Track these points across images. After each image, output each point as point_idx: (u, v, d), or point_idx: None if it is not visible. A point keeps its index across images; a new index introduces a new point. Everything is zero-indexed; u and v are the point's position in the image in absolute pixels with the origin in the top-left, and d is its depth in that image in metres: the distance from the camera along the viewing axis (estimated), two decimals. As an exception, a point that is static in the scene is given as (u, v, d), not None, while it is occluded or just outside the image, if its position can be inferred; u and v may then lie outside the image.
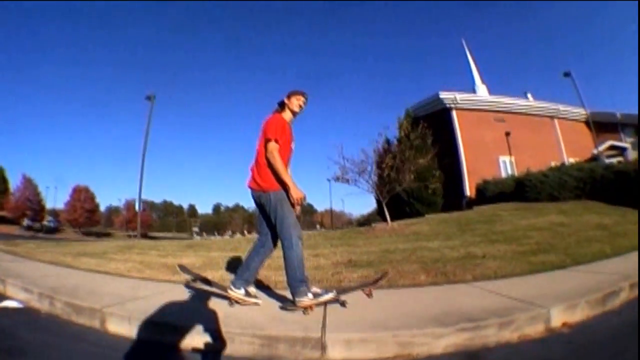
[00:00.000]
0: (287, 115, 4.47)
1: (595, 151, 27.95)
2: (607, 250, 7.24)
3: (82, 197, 62.26)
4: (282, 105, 4.51)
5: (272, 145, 4.10)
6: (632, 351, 3.03)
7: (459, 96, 27.27)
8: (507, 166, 26.35)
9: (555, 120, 29.85)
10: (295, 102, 4.46)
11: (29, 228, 48.73)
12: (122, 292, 5.16)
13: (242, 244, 12.49)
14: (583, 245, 8.04)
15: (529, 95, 31.65)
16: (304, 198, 4.15)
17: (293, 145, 4.51)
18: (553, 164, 20.38)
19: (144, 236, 46.34)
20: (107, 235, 34.44)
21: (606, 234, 9.21)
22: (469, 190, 24.60)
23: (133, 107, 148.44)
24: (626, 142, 29.83)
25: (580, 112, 30.55)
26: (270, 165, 4.11)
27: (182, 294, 4.96)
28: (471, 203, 21.93)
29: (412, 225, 13.73)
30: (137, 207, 33.89)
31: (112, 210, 79.24)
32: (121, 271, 7.37)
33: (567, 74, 28.35)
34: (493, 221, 12.65)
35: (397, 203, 21.89)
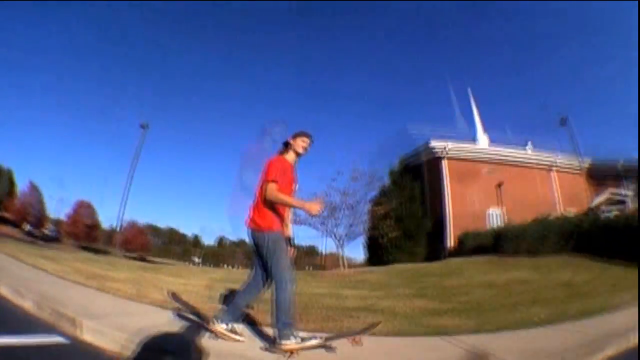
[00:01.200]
0: (290, 156, 4.43)
1: (593, 203, 25.99)
2: (542, 316, 6.49)
3: (84, 213, 61.35)
4: (286, 145, 4.45)
5: (271, 186, 4.05)
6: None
7: (450, 145, 26.12)
8: (495, 218, 24.86)
9: (553, 172, 28.01)
10: (300, 144, 4.41)
11: (29, 234, 47.73)
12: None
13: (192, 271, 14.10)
14: (520, 308, 7.30)
15: (529, 145, 29.90)
16: (321, 207, 4.19)
17: (295, 187, 4.45)
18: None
19: (142, 259, 45.35)
20: (105, 252, 34.11)
21: (566, 294, 8.62)
22: (452, 241, 23.33)
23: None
24: (627, 191, 27.74)
25: (578, 162, 28.78)
26: (271, 204, 4.10)
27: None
28: (451, 254, 21.15)
29: (366, 273, 13.47)
30: (117, 226, 35.63)
31: (113, 231, 78.77)
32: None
33: (563, 122, 27.75)
34: (451, 274, 12.26)
35: (379, 250, 22.72)
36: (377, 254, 23.14)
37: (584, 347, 4.39)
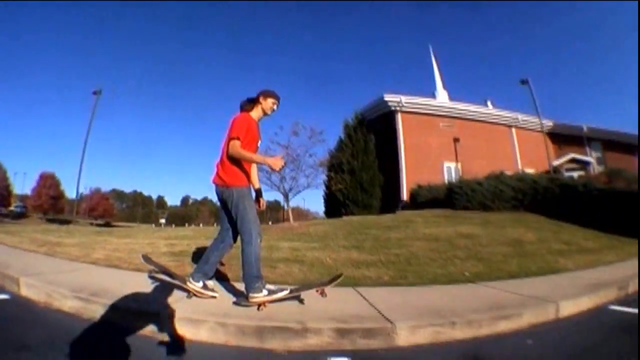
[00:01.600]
0: (256, 113, 4.35)
1: (554, 163, 25.26)
2: (467, 273, 6.36)
3: (48, 184, 60.56)
4: (253, 102, 4.36)
5: (234, 143, 3.96)
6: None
7: (405, 99, 25.01)
8: (452, 172, 24.13)
9: (513, 130, 27.24)
10: (270, 105, 4.35)
11: None
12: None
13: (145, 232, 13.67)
14: (454, 263, 7.09)
15: (489, 103, 29.27)
16: (283, 163, 4.11)
17: (259, 144, 4.41)
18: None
19: (107, 225, 45.49)
20: (70, 222, 33.24)
21: (508, 252, 8.31)
22: (406, 195, 22.58)
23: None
24: (592, 157, 27.15)
25: (543, 123, 27.62)
26: (236, 160, 4.03)
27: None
28: (406, 207, 20.47)
29: (313, 225, 12.71)
30: (76, 195, 34.47)
31: (81, 198, 77.09)
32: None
33: (523, 82, 26.36)
34: (398, 227, 11.44)
35: (335, 204, 22.36)
36: (334, 207, 22.63)
37: (492, 311, 3.99)
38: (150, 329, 3.47)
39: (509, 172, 17.32)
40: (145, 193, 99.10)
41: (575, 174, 22.02)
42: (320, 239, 9.80)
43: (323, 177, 16.68)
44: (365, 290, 4.89)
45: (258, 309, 3.82)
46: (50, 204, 59.57)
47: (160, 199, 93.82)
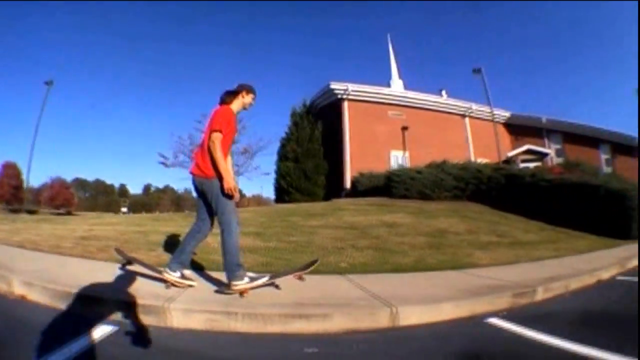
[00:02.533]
0: (236, 106, 4.32)
1: (509, 154, 23.88)
2: (343, 264, 5.82)
3: (10, 174, 56.30)
4: (234, 95, 4.30)
5: (215, 135, 3.96)
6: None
7: (352, 86, 23.59)
8: (398, 161, 22.68)
9: (467, 119, 25.74)
10: (250, 100, 4.39)
11: None
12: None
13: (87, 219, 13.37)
14: (346, 252, 6.54)
15: (444, 93, 27.52)
16: (236, 189, 4.01)
17: (235, 137, 4.71)
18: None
19: (68, 214, 42.80)
20: (33, 212, 31.25)
21: (424, 243, 7.68)
22: (349, 183, 21.34)
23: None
24: (551, 149, 26.07)
25: (498, 113, 26.41)
26: (210, 153, 3.98)
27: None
28: (348, 195, 19.36)
29: (241, 212, 10.73)
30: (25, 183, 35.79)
31: (42, 188, 74.55)
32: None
33: (475, 71, 24.63)
34: (323, 215, 10.86)
35: (282, 191, 22.00)
36: (281, 195, 22.05)
37: (297, 309, 3.50)
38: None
39: (454, 161, 15.92)
40: (108, 181, 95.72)
41: (532, 165, 20.43)
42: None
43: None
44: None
45: (240, 296, 3.82)
46: (12, 194, 55.34)
47: (123, 188, 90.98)
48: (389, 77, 28.87)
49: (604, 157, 24.49)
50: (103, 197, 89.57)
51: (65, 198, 65.27)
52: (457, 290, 4.22)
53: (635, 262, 6.88)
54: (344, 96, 23.02)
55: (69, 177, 74.68)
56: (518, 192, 13.33)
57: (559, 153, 25.66)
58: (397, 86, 27.39)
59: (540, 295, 4.37)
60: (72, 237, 7.47)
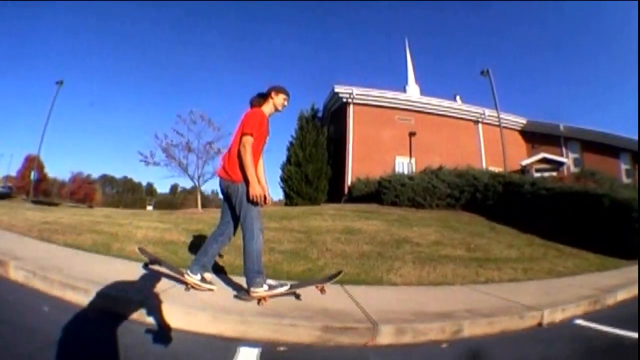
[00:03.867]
0: (267, 109, 4.17)
1: (523, 163, 21.99)
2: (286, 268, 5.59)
3: (33, 167, 58.08)
4: (264, 98, 4.18)
5: (247, 139, 3.82)
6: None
7: (357, 90, 22.38)
8: (404, 167, 21.38)
9: (480, 126, 23.94)
10: (281, 101, 4.20)
11: None
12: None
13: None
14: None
15: (458, 98, 26.32)
16: (264, 197, 3.85)
17: (267, 140, 4.22)
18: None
19: (90, 207, 42.92)
20: (55, 204, 31.81)
21: (361, 252, 6.86)
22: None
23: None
24: (567, 158, 23.92)
25: (514, 120, 25.23)
26: (240, 158, 3.85)
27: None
28: (348, 201, 18.50)
29: (208, 213, 12.45)
30: (32, 176, 36.72)
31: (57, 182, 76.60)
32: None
33: (483, 73, 23.00)
34: (296, 218, 10.44)
35: (285, 195, 21.29)
36: (287, 199, 21.08)
37: None
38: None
39: (451, 167, 14.86)
40: (135, 179, 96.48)
41: (546, 174, 18.90)
42: (194, 222, 9.50)
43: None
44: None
45: (258, 303, 3.66)
46: (34, 187, 57.70)
47: (150, 186, 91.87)
48: (405, 81, 27.44)
49: (624, 167, 22.29)
50: (130, 195, 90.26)
51: (87, 193, 66.87)
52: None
53: (622, 296, 5.24)
54: (349, 100, 21.98)
55: (96, 174, 77.40)
56: (516, 202, 11.88)
57: (577, 162, 23.50)
58: (413, 91, 26.01)
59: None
60: (36, 221, 8.13)
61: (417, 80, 27.59)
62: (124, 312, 3.21)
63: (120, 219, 9.66)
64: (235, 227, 4.11)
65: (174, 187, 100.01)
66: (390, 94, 22.96)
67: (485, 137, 23.26)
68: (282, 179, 20.92)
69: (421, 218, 11.22)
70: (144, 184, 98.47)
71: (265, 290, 3.70)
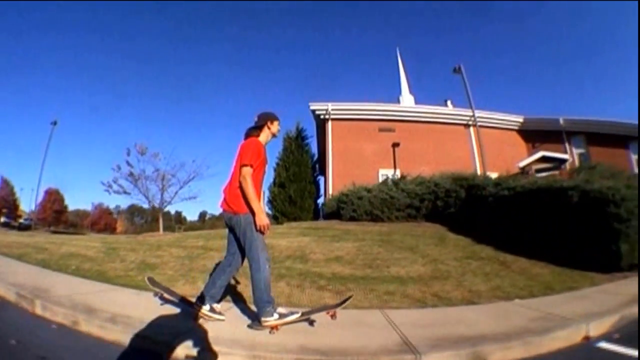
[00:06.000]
0: (264, 137, 4.12)
1: (520, 164, 19.69)
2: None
3: (52, 199, 60.92)
4: (260, 128, 4.10)
5: (246, 170, 3.78)
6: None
7: (332, 105, 21.20)
8: (389, 180, 18.59)
9: (471, 129, 21.77)
10: (277, 127, 4.18)
11: (5, 224, 47.14)
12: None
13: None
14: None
15: (449, 103, 24.47)
16: (268, 227, 3.79)
17: (266, 168, 4.19)
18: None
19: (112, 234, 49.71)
20: (77, 234, 32.83)
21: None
22: None
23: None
24: (572, 154, 21.43)
25: (511, 119, 23.13)
26: (242, 190, 3.80)
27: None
28: (326, 218, 17.04)
29: (182, 238, 11.28)
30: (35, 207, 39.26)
31: (81, 213, 77.55)
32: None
33: (456, 70, 20.72)
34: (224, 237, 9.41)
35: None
36: (274, 220, 19.95)
37: None
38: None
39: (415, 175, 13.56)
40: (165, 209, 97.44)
41: (547, 174, 16.30)
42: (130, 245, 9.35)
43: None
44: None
45: (270, 332, 3.60)
46: (54, 217, 60.31)
47: (178, 215, 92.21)
48: (399, 92, 26.06)
49: (634, 157, 19.18)
50: (156, 224, 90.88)
51: (107, 222, 69.18)
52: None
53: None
54: (326, 116, 21.02)
55: (125, 205, 79.51)
56: (479, 207, 10.12)
57: (584, 158, 20.65)
58: (407, 101, 24.82)
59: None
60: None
61: (412, 89, 26.34)
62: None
63: (67, 241, 10.44)
64: (243, 258, 4.03)
65: (202, 215, 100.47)
66: (368, 105, 21.71)
67: (483, 141, 20.33)
68: (269, 201, 20.24)
69: (363, 232, 10.26)
70: (172, 212, 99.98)
71: (276, 319, 3.67)
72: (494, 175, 15.37)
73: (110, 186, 16.28)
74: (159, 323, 3.65)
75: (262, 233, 3.77)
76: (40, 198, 59.36)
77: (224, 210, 3.99)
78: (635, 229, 6.38)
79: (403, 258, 7.43)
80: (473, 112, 20.27)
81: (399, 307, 4.75)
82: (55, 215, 60.62)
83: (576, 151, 21.47)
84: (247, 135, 4.07)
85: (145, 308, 4.17)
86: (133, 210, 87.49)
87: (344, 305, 4.04)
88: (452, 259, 7.36)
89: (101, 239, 12.24)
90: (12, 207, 56.96)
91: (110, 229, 66.73)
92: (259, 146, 3.95)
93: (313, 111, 21.26)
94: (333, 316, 3.94)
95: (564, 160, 20.62)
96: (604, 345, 3.54)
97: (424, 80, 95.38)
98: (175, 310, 4.22)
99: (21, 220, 52.78)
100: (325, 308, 4.14)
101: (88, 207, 76.48)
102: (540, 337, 3.47)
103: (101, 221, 67.66)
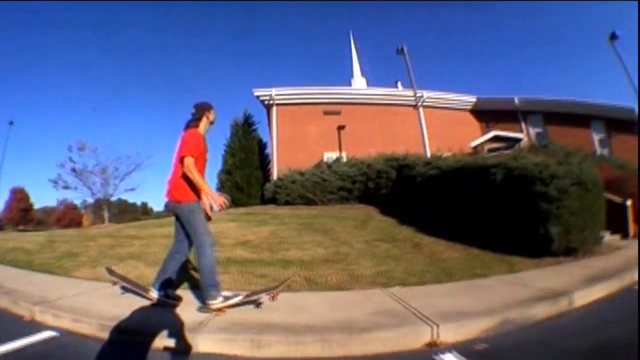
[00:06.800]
0: (203, 127, 4.19)
1: (472, 144, 19.45)
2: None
3: (19, 198, 59.15)
4: (197, 120, 4.16)
5: (189, 160, 3.83)
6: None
7: (275, 91, 20.55)
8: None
9: (421, 110, 20.39)
10: (213, 116, 4.26)
11: None
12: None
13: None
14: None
15: (399, 84, 24.12)
16: (225, 202, 3.90)
17: (207, 155, 4.25)
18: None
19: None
20: (35, 231, 31.28)
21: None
22: None
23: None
24: (529, 133, 21.31)
25: (463, 99, 22.84)
26: (189, 179, 3.86)
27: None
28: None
29: (123, 228, 11.42)
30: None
31: (48, 210, 74.01)
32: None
33: (399, 51, 19.45)
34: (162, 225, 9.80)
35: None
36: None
37: None
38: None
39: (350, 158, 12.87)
40: (130, 200, 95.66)
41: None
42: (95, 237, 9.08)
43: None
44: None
45: (216, 314, 3.65)
46: (20, 216, 58.44)
47: (144, 206, 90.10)
48: (351, 75, 25.58)
49: (596, 136, 19.18)
50: (126, 216, 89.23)
51: (72, 218, 65.18)
52: None
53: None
54: (271, 102, 20.35)
55: (91, 198, 75.99)
56: (409, 188, 9.54)
57: (540, 137, 20.36)
58: (359, 84, 24.30)
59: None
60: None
61: (364, 72, 25.85)
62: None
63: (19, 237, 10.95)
64: (190, 244, 4.09)
65: (167, 205, 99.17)
66: (313, 89, 21.18)
67: (436, 122, 20.48)
68: (218, 188, 19.65)
69: (293, 215, 10.24)
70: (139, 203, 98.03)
71: (221, 302, 3.74)
72: (447, 154, 15.03)
73: (56, 182, 16.63)
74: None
75: (209, 218, 4.01)
76: (6, 197, 58.79)
77: (168, 199, 4.08)
78: (569, 209, 5.91)
79: (310, 241, 7.32)
80: (414, 92, 19.54)
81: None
82: (21, 214, 58.98)
83: (533, 130, 21.39)
84: (187, 126, 4.15)
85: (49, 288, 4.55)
86: (100, 203, 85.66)
87: (282, 286, 4.24)
88: (362, 242, 7.21)
89: (49, 234, 12.01)
90: (-22, 209, 57.57)
91: (75, 224, 64.90)
92: (197, 137, 4.04)
93: (257, 97, 20.58)
94: (273, 297, 4.06)
95: (518, 140, 20.37)
96: (448, 358, 2.70)
97: (379, 63, 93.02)
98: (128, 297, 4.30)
99: (-12, 222, 54.91)
100: (266, 290, 4.23)
101: (54, 204, 74.79)
102: (361, 335, 2.94)
103: (66, 217, 64.55)
